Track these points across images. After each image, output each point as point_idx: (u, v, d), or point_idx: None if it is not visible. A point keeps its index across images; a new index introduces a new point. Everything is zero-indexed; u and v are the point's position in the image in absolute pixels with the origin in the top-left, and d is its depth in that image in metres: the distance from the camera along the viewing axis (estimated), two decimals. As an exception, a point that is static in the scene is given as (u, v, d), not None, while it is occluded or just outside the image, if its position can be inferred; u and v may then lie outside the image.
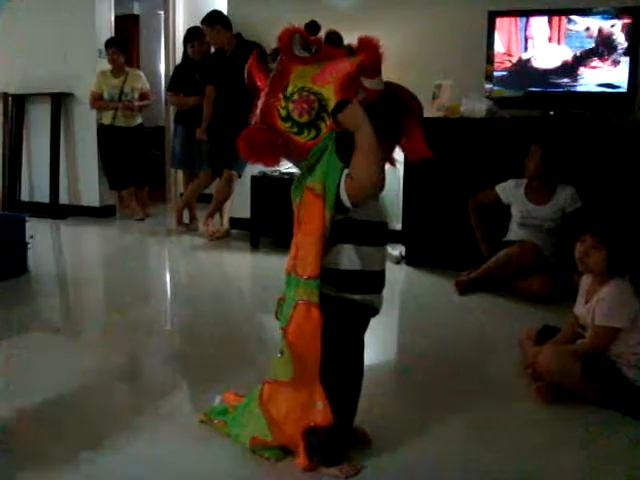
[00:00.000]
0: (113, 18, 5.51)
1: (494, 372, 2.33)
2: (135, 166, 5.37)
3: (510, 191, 3.42)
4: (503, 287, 3.26)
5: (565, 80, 3.66)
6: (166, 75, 6.29)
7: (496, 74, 3.77)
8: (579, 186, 3.29)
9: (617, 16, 3.52)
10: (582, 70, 3.61)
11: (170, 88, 5.03)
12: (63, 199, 5.49)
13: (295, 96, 1.41)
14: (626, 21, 3.50)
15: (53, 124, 5.39)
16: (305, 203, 1.46)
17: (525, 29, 3.70)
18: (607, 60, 3.56)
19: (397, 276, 3.64)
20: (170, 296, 3.47)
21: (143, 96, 5.31)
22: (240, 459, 1.62)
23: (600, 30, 3.55)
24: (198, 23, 4.54)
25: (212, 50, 4.68)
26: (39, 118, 5.54)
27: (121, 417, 1.90)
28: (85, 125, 5.42)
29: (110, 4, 5.45)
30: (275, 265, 3.70)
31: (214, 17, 4.40)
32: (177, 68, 5.14)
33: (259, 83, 1.49)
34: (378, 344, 2.46)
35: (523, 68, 3.73)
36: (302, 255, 1.46)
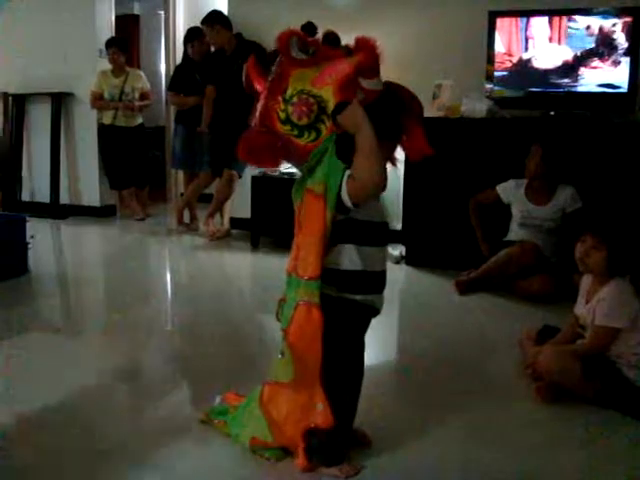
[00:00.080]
0: (113, 18, 5.51)
1: (494, 372, 2.33)
2: (135, 166, 5.37)
3: (510, 191, 3.42)
4: (503, 287, 3.26)
5: (565, 80, 3.66)
6: (166, 75, 6.29)
7: (496, 74, 3.77)
8: (579, 186, 3.29)
9: (617, 16, 3.52)
10: (582, 70, 3.61)
11: (170, 88, 5.03)
12: (63, 199, 5.50)
13: (294, 99, 1.41)
14: (626, 21, 3.50)
15: (53, 124, 5.39)
16: (306, 204, 1.47)
17: (525, 29, 3.70)
18: (607, 60, 3.56)
19: (397, 276, 3.64)
20: (170, 296, 3.47)
21: (143, 96, 5.31)
22: (240, 459, 1.62)
23: (600, 30, 3.55)
24: (198, 23, 4.54)
25: (212, 50, 4.68)
26: (39, 118, 5.54)
27: (121, 417, 1.90)
28: (85, 125, 5.43)
29: (110, 4, 5.45)
30: (275, 265, 3.70)
31: (214, 17, 4.40)
32: (177, 68, 5.14)
33: (258, 86, 1.49)
34: (378, 344, 2.46)
35: (523, 68, 3.73)
36: (303, 256, 1.46)
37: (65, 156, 5.53)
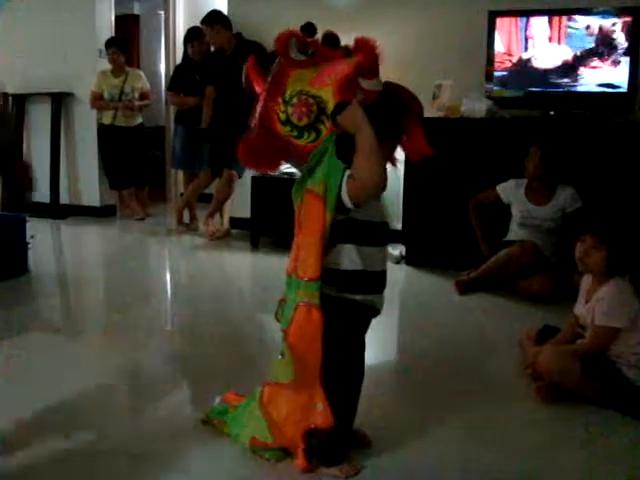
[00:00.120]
0: (113, 18, 5.51)
1: (494, 372, 2.33)
2: (135, 166, 5.37)
3: (510, 191, 3.42)
4: (503, 287, 3.26)
5: (565, 80, 3.66)
6: (166, 75, 6.29)
7: (496, 74, 3.77)
8: (579, 186, 3.29)
9: (617, 16, 3.52)
10: (582, 70, 3.62)
11: (170, 88, 5.03)
12: (63, 199, 5.49)
13: (294, 100, 1.41)
14: (626, 21, 3.50)
15: (53, 124, 5.40)
16: (306, 205, 1.47)
17: (525, 29, 3.70)
18: (607, 60, 3.56)
19: (397, 276, 3.64)
20: (170, 296, 3.47)
21: (143, 96, 5.31)
22: (240, 459, 1.62)
23: (600, 30, 3.55)
24: (198, 23, 4.54)
25: (212, 50, 4.68)
26: (39, 118, 5.54)
27: (121, 417, 1.90)
28: (85, 125, 5.43)
29: (110, 4, 5.45)
30: (275, 265, 3.70)
31: (214, 17, 4.41)
32: (177, 68, 5.14)
33: (257, 87, 1.49)
34: (378, 344, 2.46)
35: (523, 68, 3.73)
36: (303, 257, 1.46)
37: (65, 156, 5.53)
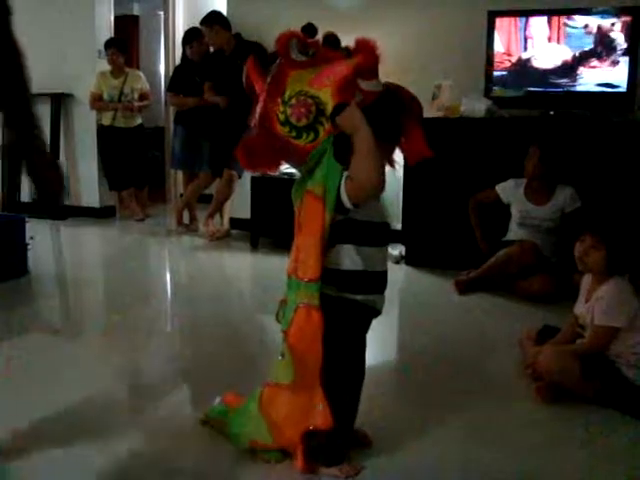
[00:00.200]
0: (113, 18, 5.51)
1: (494, 372, 2.33)
2: (135, 167, 5.37)
3: (510, 191, 3.42)
4: (503, 287, 3.26)
5: (565, 80, 3.66)
6: (166, 76, 6.29)
7: (496, 74, 3.77)
8: (579, 186, 3.29)
9: (617, 16, 3.52)
10: (582, 70, 3.62)
11: (170, 89, 5.03)
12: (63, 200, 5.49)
13: (293, 100, 1.41)
14: (626, 20, 3.50)
15: (53, 125, 5.39)
16: (305, 206, 1.47)
17: (525, 29, 3.70)
18: (607, 60, 3.56)
19: (397, 276, 3.64)
20: (170, 297, 3.47)
21: (143, 97, 5.31)
22: (240, 459, 1.62)
23: (600, 30, 3.55)
24: (198, 24, 4.54)
25: (211, 50, 4.68)
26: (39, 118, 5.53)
27: (121, 417, 1.90)
28: (85, 126, 5.43)
29: (110, 5, 5.45)
30: (275, 266, 3.70)
31: (213, 18, 4.40)
32: (176, 69, 5.14)
33: (257, 88, 1.49)
34: (378, 344, 2.46)
35: (523, 68, 3.73)
36: (302, 258, 1.46)
37: (64, 157, 5.53)
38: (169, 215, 5.52)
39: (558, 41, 3.65)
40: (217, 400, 1.82)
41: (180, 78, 4.91)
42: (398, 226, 3.95)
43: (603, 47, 3.56)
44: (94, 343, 2.63)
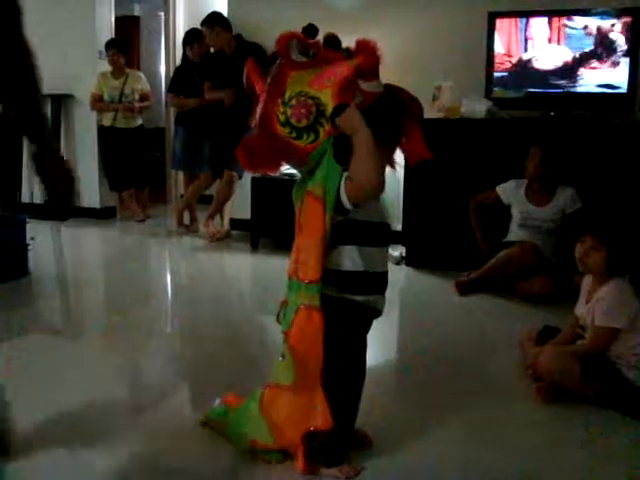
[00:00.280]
0: (113, 19, 5.51)
1: (494, 372, 2.33)
2: (135, 167, 5.37)
3: (510, 192, 3.42)
4: (503, 288, 3.26)
5: (565, 81, 3.66)
6: (166, 76, 6.29)
7: (496, 75, 3.78)
8: (579, 187, 3.29)
9: (617, 16, 3.52)
10: (582, 71, 3.62)
11: (170, 89, 5.03)
12: (63, 200, 5.49)
13: (293, 101, 1.42)
14: (626, 21, 3.51)
15: (53, 125, 5.37)
16: (306, 207, 1.47)
17: (525, 30, 3.70)
18: (607, 61, 3.57)
19: (397, 277, 3.64)
20: (171, 297, 3.47)
21: (143, 97, 5.31)
22: (240, 460, 1.62)
23: (600, 31, 3.55)
24: (198, 24, 4.54)
25: (212, 51, 4.68)
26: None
27: (121, 418, 1.90)
28: (85, 126, 5.43)
29: (110, 5, 5.45)
30: (275, 266, 3.70)
31: (213, 18, 4.41)
32: (177, 70, 5.15)
33: (257, 88, 1.49)
34: (378, 344, 2.46)
35: (523, 69, 3.74)
36: (303, 259, 1.46)
37: (65, 158, 5.52)
38: (169, 216, 5.52)
39: (558, 42, 3.65)
40: (217, 402, 1.82)
41: (180, 79, 4.92)
42: (398, 227, 3.95)
43: (603, 48, 3.56)
44: (94, 344, 2.63)
